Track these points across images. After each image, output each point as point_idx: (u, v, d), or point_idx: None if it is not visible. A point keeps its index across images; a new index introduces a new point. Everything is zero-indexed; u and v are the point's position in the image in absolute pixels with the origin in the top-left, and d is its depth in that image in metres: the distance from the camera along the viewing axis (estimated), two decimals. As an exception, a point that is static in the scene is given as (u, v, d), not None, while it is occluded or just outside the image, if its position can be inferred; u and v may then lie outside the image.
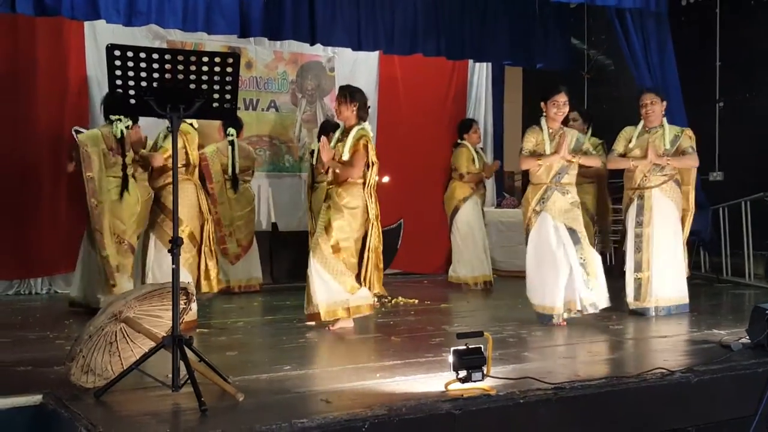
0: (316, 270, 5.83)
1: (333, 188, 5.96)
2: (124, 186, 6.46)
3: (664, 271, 6.45)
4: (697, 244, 8.44)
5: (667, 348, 5.19)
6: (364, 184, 5.91)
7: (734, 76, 8.89)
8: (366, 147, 5.89)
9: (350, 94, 6.03)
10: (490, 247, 8.68)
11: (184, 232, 5.94)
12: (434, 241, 9.23)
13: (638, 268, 6.49)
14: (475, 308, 7.39)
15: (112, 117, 6.45)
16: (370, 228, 5.90)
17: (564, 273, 5.99)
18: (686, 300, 6.51)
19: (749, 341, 4.89)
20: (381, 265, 6.06)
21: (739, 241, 8.37)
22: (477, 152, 8.52)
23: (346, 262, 5.84)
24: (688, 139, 6.55)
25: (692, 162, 6.53)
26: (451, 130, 9.78)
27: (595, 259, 6.12)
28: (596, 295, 6.04)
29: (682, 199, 6.56)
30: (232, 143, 8.06)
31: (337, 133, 6.12)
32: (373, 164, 5.93)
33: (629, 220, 6.60)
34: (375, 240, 5.92)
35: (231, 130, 8.05)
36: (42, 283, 8.17)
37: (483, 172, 8.54)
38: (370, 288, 5.93)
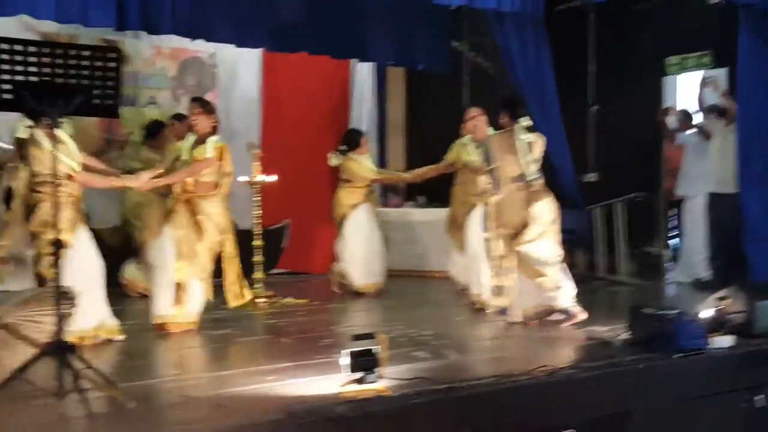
0: None
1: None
2: None
3: None
4: (573, 243, 8.72)
5: (553, 345, 5.35)
6: None
7: (607, 81, 9.23)
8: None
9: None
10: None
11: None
12: (321, 241, 9.20)
13: None
14: (363, 308, 7.39)
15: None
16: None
17: None
18: None
19: (629, 338, 5.09)
20: None
21: (612, 240, 8.72)
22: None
23: None
24: None
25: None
26: (335, 130, 9.77)
27: None
28: None
29: None
30: None
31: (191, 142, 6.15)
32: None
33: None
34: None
35: None
36: None
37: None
38: None
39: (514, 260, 6.04)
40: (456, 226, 7.32)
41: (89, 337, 5.25)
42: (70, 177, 5.23)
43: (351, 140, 8.20)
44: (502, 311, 6.28)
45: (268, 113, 9.62)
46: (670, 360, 4.66)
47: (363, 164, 8.12)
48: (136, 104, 8.95)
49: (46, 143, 5.02)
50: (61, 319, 3.80)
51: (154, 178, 5.86)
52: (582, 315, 5.94)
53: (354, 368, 3.96)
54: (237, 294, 6.22)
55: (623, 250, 8.68)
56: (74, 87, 3.85)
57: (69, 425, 3.49)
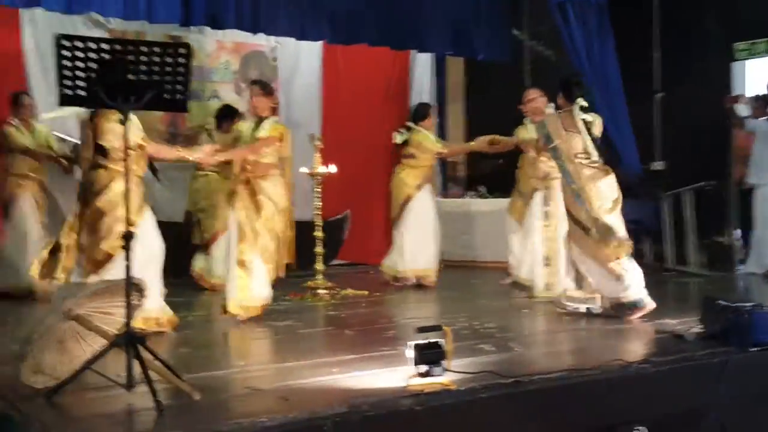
0: None
1: None
2: None
3: None
4: (640, 233, 8.54)
5: (622, 338, 5.25)
6: None
7: (673, 67, 9.02)
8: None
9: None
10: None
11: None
12: (380, 232, 9.20)
13: None
14: (424, 300, 7.35)
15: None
16: None
17: None
18: None
19: (702, 331, 4.95)
20: None
21: (681, 230, 8.52)
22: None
23: None
24: None
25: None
26: (394, 120, 9.75)
27: None
28: None
29: None
30: None
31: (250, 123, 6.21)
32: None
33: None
34: None
35: None
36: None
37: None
38: None
39: (582, 244, 5.93)
40: (517, 206, 7.24)
41: (153, 318, 5.25)
42: (141, 147, 5.30)
43: (419, 112, 8.12)
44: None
45: (328, 105, 9.67)
46: (745, 354, 4.52)
47: (430, 137, 8.01)
48: (200, 98, 9.05)
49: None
50: (131, 310, 3.84)
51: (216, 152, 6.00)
52: (651, 305, 5.80)
53: (419, 361, 3.91)
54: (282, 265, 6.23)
55: (692, 240, 8.48)
56: (146, 82, 3.90)
57: (137, 417, 3.52)
